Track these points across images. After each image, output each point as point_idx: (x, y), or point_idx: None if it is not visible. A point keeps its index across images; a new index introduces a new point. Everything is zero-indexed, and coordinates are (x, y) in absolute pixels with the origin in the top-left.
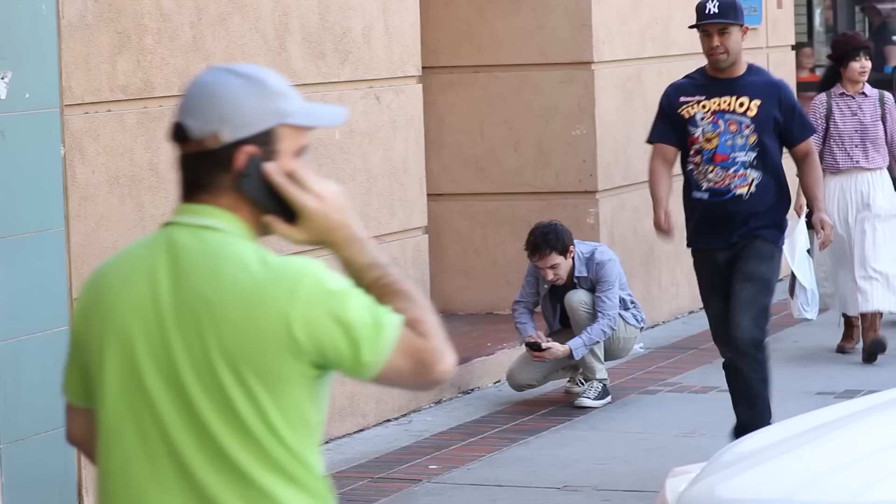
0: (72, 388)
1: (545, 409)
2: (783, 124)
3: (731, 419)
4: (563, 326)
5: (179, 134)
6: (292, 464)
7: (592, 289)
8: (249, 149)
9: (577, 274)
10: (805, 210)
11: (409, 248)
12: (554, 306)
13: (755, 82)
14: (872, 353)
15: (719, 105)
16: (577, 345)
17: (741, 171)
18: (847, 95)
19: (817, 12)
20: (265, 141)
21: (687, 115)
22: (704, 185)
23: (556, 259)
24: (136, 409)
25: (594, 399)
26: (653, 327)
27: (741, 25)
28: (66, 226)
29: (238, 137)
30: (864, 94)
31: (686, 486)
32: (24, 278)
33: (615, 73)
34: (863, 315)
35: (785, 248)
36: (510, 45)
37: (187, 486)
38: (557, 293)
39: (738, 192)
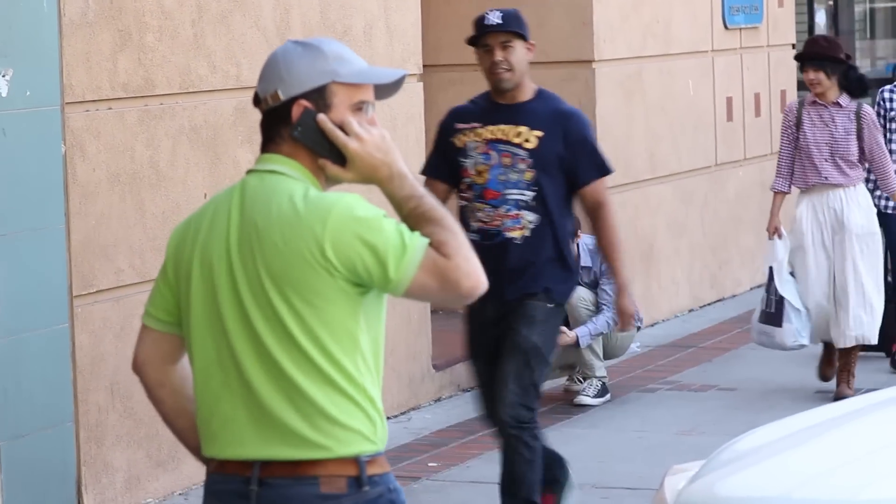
0: (154, 312)
1: (544, 407)
2: (568, 161)
3: (730, 417)
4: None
5: (255, 98)
6: (339, 377)
7: (594, 283)
8: (303, 103)
9: (582, 264)
10: (780, 231)
11: None
12: None
13: (540, 110)
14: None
15: (494, 133)
16: (583, 333)
17: (514, 212)
18: (819, 105)
19: (818, 13)
20: (318, 96)
21: (459, 144)
22: (475, 225)
23: None
24: (213, 324)
25: (593, 397)
26: (652, 325)
27: (527, 41)
28: (67, 223)
29: (292, 94)
30: (838, 104)
31: (685, 484)
32: (25, 275)
33: (616, 71)
34: (841, 350)
35: (773, 266)
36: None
37: (247, 393)
38: None
39: (510, 235)
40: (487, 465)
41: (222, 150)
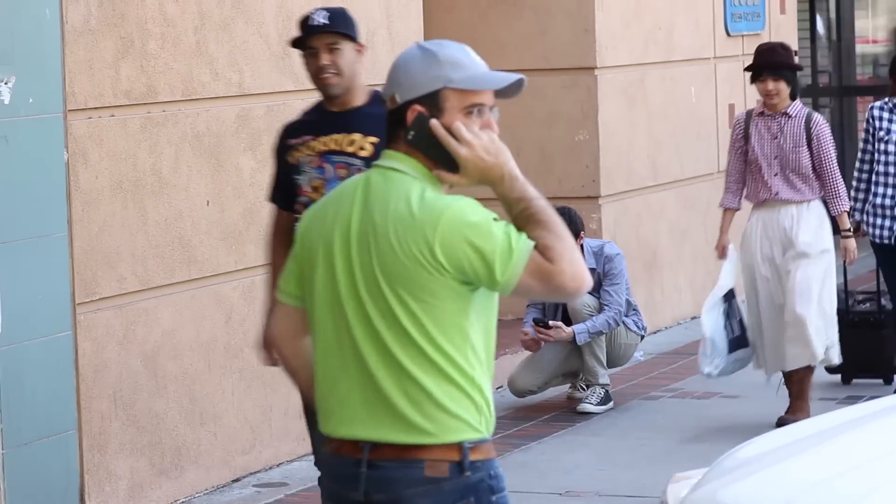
0: (287, 288)
1: (547, 415)
2: None
3: (733, 425)
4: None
5: (381, 98)
6: (449, 367)
7: (598, 285)
8: (417, 108)
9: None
10: (727, 250)
11: None
12: (556, 307)
13: (375, 115)
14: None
15: (326, 144)
16: (580, 329)
17: None
18: (767, 115)
19: (819, 21)
20: (431, 101)
21: (293, 161)
22: None
23: None
24: (333, 308)
25: (596, 405)
26: (655, 333)
27: (356, 42)
28: (69, 230)
29: (407, 98)
30: (786, 114)
31: (688, 492)
32: (27, 283)
33: (618, 78)
34: (787, 375)
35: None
36: (513, 51)
37: (362, 378)
38: None
39: None
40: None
41: (225, 157)
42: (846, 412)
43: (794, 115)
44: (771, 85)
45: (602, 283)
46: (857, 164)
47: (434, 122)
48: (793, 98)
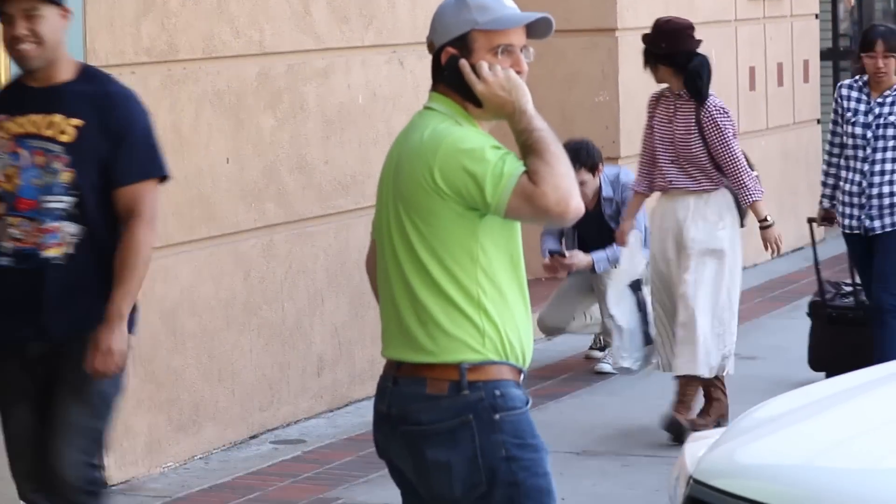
0: (374, 224)
1: (565, 375)
2: (108, 159)
3: (750, 385)
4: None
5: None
6: (453, 290)
7: (616, 214)
8: (450, 50)
9: (603, 195)
10: (635, 234)
11: None
12: (574, 235)
13: (82, 93)
14: (671, 433)
15: (23, 126)
16: (599, 258)
17: (53, 225)
18: (666, 97)
19: None
20: (462, 43)
21: None
22: (8, 246)
23: (585, 176)
24: (382, 240)
25: (614, 365)
26: None
27: (61, 6)
28: None
29: (441, 42)
30: (679, 95)
31: (705, 452)
32: None
33: (639, 39)
34: (679, 378)
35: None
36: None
37: (393, 303)
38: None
39: (48, 254)
40: None
41: (245, 115)
42: (863, 374)
43: (688, 98)
44: (661, 72)
45: (620, 210)
46: (827, 147)
47: (462, 61)
48: (689, 85)
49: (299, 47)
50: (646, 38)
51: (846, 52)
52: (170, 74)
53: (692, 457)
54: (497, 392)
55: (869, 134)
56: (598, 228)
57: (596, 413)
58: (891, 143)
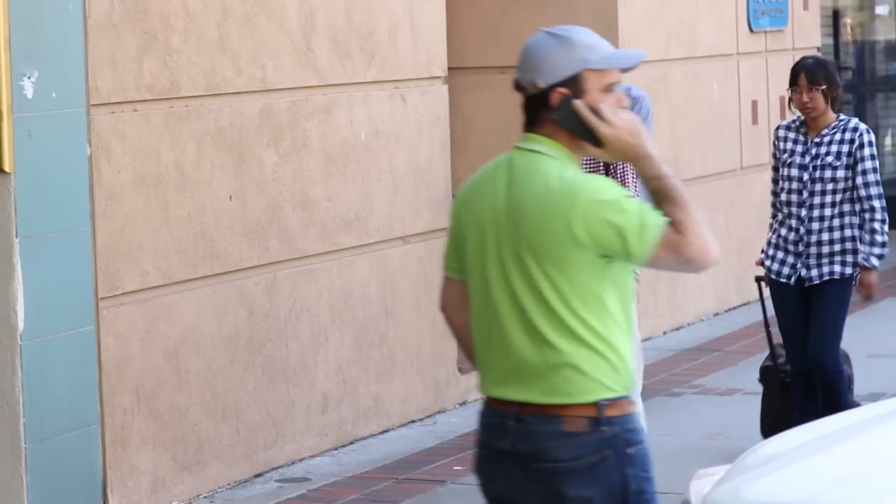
0: (449, 263)
1: None
2: None
3: (756, 421)
4: None
5: (517, 85)
6: (586, 333)
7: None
8: (561, 90)
9: None
10: None
11: (435, 248)
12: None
13: None
14: None
15: None
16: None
17: None
18: None
19: (842, 21)
20: (573, 83)
21: None
22: None
23: None
24: (481, 281)
25: None
26: (677, 329)
27: None
28: (92, 225)
29: (550, 82)
30: None
31: (710, 489)
32: (50, 277)
33: (641, 74)
34: None
35: None
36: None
37: (507, 345)
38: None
39: None
40: None
41: (247, 152)
42: (869, 409)
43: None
44: None
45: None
46: (772, 198)
47: (579, 102)
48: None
49: (301, 84)
50: None
51: (849, 86)
52: (172, 111)
53: (698, 494)
54: (628, 426)
55: (806, 176)
56: None
57: None
58: (829, 187)
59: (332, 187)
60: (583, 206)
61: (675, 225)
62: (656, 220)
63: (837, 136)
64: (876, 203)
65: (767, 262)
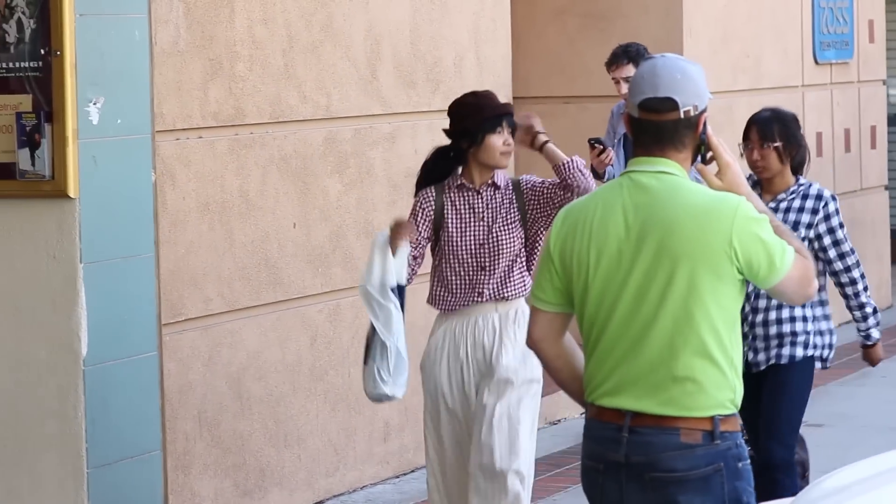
0: (544, 297)
1: None
2: None
3: (818, 454)
4: None
5: (668, 104)
6: (716, 350)
7: None
8: (704, 117)
9: None
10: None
11: None
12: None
13: None
14: None
15: None
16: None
17: None
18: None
19: None
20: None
21: None
22: None
23: (632, 72)
24: (605, 299)
25: None
26: None
27: None
28: (156, 251)
29: (702, 108)
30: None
31: None
32: (115, 303)
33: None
34: None
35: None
36: (600, 76)
37: (630, 357)
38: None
39: None
40: (575, 499)
41: (311, 179)
42: None
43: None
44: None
45: None
46: None
47: (710, 131)
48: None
49: (366, 112)
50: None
51: None
52: (237, 139)
53: None
54: (738, 442)
55: None
56: None
57: None
58: None
59: (395, 215)
60: (741, 221)
61: (798, 250)
62: (789, 246)
63: (797, 204)
64: (856, 273)
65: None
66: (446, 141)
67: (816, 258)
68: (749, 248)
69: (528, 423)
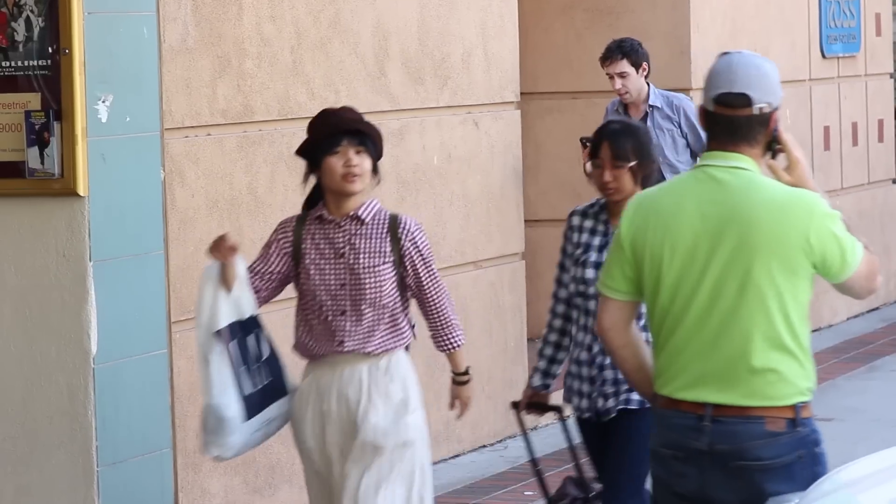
0: (615, 285)
1: None
2: None
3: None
4: None
5: (743, 100)
6: (791, 342)
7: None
8: (777, 114)
9: (651, 101)
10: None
11: (506, 273)
12: None
13: None
14: None
15: None
16: None
17: None
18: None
19: None
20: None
21: None
22: None
23: (626, 67)
24: (682, 290)
25: None
26: None
27: None
28: (166, 249)
29: (776, 105)
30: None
31: None
32: (123, 301)
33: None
34: None
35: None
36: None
37: (709, 348)
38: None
39: None
40: None
41: None
42: None
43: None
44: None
45: (682, 129)
46: (552, 300)
47: (781, 128)
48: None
49: (374, 108)
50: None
51: None
52: (245, 136)
53: None
54: (815, 427)
55: None
56: None
57: None
58: None
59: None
60: (818, 217)
61: (865, 247)
62: (859, 242)
63: None
64: None
65: (565, 394)
66: (455, 137)
67: None
68: (825, 245)
69: (403, 496)
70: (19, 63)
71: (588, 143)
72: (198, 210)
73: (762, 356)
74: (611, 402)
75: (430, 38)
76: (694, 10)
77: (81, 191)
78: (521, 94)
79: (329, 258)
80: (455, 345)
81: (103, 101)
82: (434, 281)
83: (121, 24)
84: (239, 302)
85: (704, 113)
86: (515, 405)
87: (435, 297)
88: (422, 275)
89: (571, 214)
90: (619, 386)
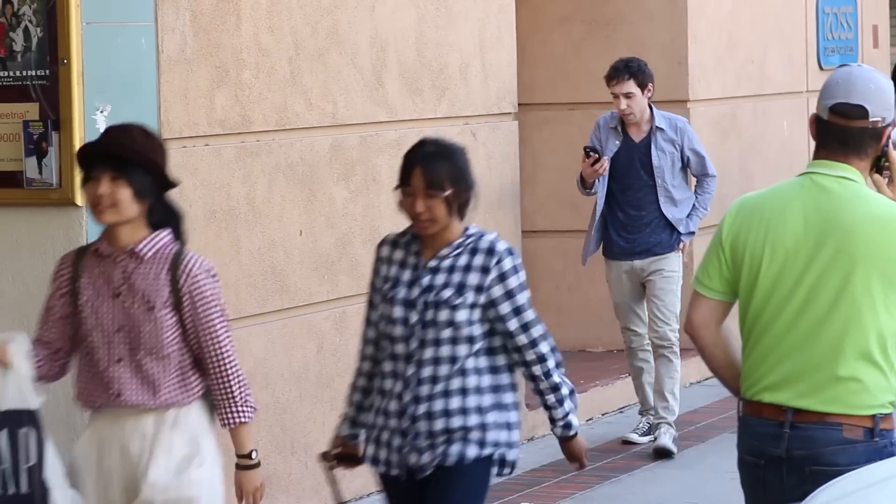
0: (710, 284)
1: (637, 448)
2: None
3: None
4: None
5: (859, 111)
6: (879, 354)
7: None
8: (889, 130)
9: (656, 123)
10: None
11: None
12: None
13: None
14: None
15: None
16: (686, 230)
17: None
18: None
19: None
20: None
21: None
22: None
23: (632, 88)
24: (775, 295)
25: (640, 435)
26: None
27: None
28: None
29: (888, 122)
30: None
31: None
32: None
33: (710, 111)
34: None
35: None
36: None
37: (796, 355)
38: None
39: None
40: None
41: (318, 186)
42: None
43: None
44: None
45: (684, 152)
46: (361, 340)
47: (891, 145)
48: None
49: (372, 119)
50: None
51: None
52: (243, 146)
53: None
54: (892, 440)
55: (413, 318)
56: (639, 162)
57: (668, 486)
58: (446, 334)
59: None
60: None
61: None
62: None
63: (463, 261)
64: (544, 347)
65: (369, 448)
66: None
67: (492, 332)
68: None
69: None
70: (18, 73)
71: (592, 153)
72: (195, 220)
73: (849, 365)
74: (425, 458)
75: (427, 49)
76: (691, 22)
77: (79, 201)
78: (519, 105)
79: (106, 297)
80: (234, 420)
81: (101, 111)
82: (213, 336)
83: (119, 34)
84: (20, 389)
85: (817, 121)
86: (324, 455)
87: (214, 356)
88: (199, 327)
89: (381, 244)
90: (435, 439)
